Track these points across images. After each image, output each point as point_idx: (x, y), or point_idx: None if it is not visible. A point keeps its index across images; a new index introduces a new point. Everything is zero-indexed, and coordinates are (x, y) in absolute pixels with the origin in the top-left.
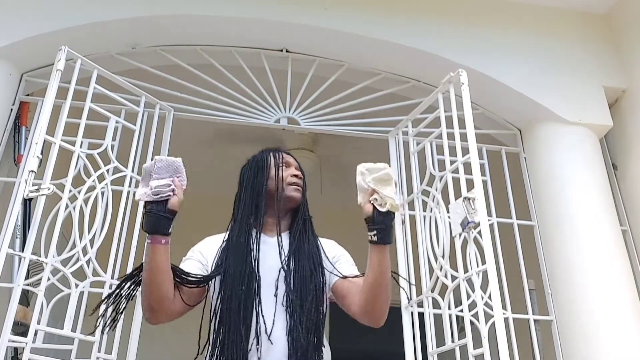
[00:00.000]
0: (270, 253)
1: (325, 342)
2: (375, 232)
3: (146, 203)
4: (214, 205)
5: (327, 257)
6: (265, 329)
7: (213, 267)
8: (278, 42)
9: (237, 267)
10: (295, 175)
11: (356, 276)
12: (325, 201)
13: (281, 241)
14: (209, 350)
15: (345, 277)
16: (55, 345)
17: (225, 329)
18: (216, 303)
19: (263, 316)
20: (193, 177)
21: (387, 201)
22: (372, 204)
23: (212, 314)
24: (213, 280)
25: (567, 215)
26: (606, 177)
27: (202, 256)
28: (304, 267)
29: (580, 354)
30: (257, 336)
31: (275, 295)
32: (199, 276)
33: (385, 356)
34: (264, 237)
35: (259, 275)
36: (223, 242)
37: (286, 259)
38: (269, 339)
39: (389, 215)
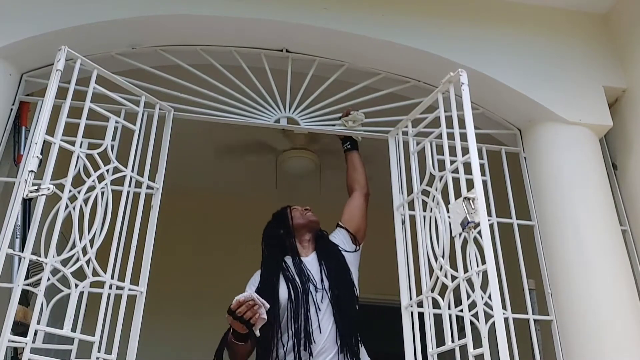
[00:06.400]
0: (312, 267)
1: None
2: (349, 143)
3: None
4: (214, 205)
5: (342, 248)
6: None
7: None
8: (278, 42)
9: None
10: (306, 208)
11: (342, 227)
12: (324, 201)
13: (317, 258)
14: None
15: (343, 226)
16: (55, 345)
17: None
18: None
19: (310, 312)
20: (196, 177)
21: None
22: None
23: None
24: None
25: (567, 215)
26: (606, 177)
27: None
28: (337, 271)
29: (580, 354)
30: (307, 329)
31: (321, 297)
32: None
33: (385, 357)
34: (302, 259)
35: (306, 287)
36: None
37: (326, 270)
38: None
39: (356, 140)
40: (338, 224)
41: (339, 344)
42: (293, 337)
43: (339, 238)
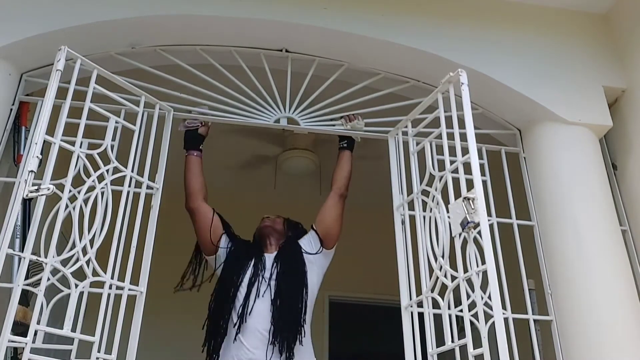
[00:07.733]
0: (268, 262)
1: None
2: (346, 142)
3: (186, 132)
4: (213, 205)
5: (304, 250)
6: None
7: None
8: (278, 42)
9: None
10: (264, 217)
11: (313, 229)
12: (324, 201)
13: (275, 256)
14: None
15: (314, 227)
16: (55, 345)
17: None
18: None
19: (250, 293)
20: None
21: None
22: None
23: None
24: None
25: (567, 215)
26: (606, 177)
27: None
28: (289, 270)
29: (580, 354)
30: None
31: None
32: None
33: (385, 357)
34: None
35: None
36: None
37: (278, 267)
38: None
39: (353, 140)
40: (312, 224)
41: (270, 338)
42: (228, 305)
43: (307, 239)
